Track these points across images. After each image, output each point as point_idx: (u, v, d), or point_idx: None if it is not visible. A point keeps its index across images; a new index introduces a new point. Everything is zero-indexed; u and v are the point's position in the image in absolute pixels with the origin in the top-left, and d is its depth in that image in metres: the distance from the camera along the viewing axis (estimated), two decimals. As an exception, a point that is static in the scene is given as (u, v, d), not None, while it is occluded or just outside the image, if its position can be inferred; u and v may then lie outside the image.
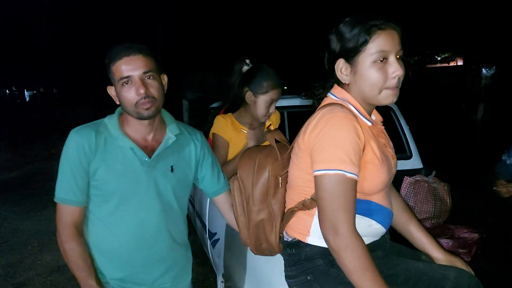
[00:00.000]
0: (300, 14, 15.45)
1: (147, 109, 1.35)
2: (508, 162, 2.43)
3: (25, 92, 25.85)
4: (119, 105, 1.45)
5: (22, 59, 16.51)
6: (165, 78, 1.48)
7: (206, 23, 16.19)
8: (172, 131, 1.48)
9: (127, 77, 1.33)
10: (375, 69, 1.14)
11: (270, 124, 2.17)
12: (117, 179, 1.38)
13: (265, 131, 2.02)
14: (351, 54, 1.17)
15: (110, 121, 1.44)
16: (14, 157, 8.72)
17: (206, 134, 2.41)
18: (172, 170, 1.47)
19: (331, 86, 1.29)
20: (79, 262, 1.37)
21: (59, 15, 14.71)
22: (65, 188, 1.38)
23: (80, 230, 1.42)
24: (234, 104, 2.12)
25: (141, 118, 1.38)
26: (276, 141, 1.46)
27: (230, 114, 2.12)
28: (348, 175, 1.08)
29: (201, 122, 3.57)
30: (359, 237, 1.10)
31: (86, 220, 1.45)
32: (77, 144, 1.36)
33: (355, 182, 1.11)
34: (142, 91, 1.33)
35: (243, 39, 15.24)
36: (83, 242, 1.41)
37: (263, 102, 2.00)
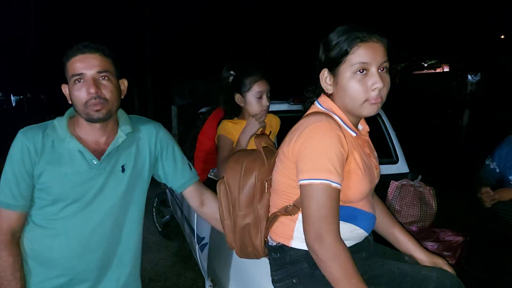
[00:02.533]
0: (291, 18, 15.55)
1: (97, 110, 1.29)
2: (491, 166, 2.49)
3: (12, 97, 25.55)
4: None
5: (8, 64, 16.33)
6: (124, 83, 1.42)
7: (196, 30, 16.20)
8: (123, 130, 1.41)
9: (79, 74, 1.28)
10: (355, 80, 1.15)
11: (270, 132, 2.19)
12: (63, 183, 1.31)
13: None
14: (333, 64, 1.18)
15: (59, 123, 1.36)
16: (1, 162, 8.58)
17: (195, 138, 2.43)
18: (123, 170, 1.40)
19: (319, 94, 1.31)
20: (5, 274, 1.29)
21: (46, 20, 14.61)
22: (5, 191, 1.31)
23: (16, 238, 1.34)
24: (234, 112, 2.15)
25: (90, 120, 1.32)
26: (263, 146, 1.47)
27: (236, 118, 2.14)
28: (333, 184, 1.09)
29: (190, 128, 3.58)
30: (344, 245, 1.11)
31: (25, 226, 1.36)
32: (22, 145, 1.29)
33: (339, 192, 1.12)
34: (92, 90, 1.27)
35: (234, 45, 15.28)
36: (16, 252, 1.33)
37: (252, 99, 2.04)
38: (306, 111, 1.31)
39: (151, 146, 1.49)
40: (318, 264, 1.13)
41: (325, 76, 1.23)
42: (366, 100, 1.16)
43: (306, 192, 1.12)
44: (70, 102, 1.36)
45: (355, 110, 1.20)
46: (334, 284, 1.11)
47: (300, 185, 1.14)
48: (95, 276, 1.41)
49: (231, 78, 2.20)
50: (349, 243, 1.25)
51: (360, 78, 1.15)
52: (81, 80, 1.29)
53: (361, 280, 1.10)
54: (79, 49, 1.30)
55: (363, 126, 1.35)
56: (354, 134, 1.23)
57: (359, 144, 1.25)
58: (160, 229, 4.33)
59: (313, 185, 1.10)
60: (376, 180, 1.30)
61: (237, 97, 2.08)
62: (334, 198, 1.11)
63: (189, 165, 1.61)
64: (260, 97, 2.05)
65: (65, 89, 1.37)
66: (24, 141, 1.30)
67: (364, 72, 1.15)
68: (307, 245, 1.13)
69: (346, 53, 1.15)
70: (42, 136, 1.31)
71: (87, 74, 1.28)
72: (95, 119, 1.31)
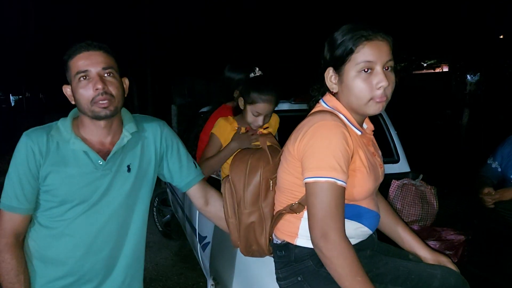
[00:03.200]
0: (293, 18, 15.55)
1: (104, 107, 1.28)
2: (493, 165, 2.49)
3: (11, 97, 25.53)
4: (74, 106, 1.37)
5: (7, 64, 16.30)
6: (126, 82, 1.41)
7: (196, 29, 16.19)
8: (128, 129, 1.40)
9: (84, 71, 1.26)
10: (360, 79, 1.15)
11: (268, 127, 2.18)
12: (69, 185, 1.29)
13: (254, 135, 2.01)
14: (338, 63, 1.18)
15: (63, 124, 1.34)
16: (1, 162, 8.58)
17: (196, 137, 2.43)
18: (129, 170, 1.39)
19: (324, 92, 1.31)
20: (9, 277, 1.28)
21: (45, 19, 14.57)
22: (10, 194, 1.29)
23: (19, 241, 1.32)
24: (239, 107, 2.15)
25: (97, 117, 1.30)
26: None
27: (231, 117, 2.13)
28: (339, 182, 1.10)
29: (190, 127, 3.59)
30: (349, 243, 1.12)
31: (30, 227, 1.35)
32: (26, 147, 1.27)
33: (344, 189, 1.13)
34: (100, 86, 1.26)
35: (234, 44, 15.27)
36: (20, 255, 1.31)
37: (249, 112, 2.01)
38: (311, 110, 1.31)
39: (157, 145, 1.47)
40: (324, 262, 1.13)
41: (330, 75, 1.23)
42: (371, 99, 1.16)
43: (311, 190, 1.12)
44: (73, 103, 1.34)
45: (360, 108, 1.20)
46: (340, 282, 1.11)
47: (305, 183, 1.14)
48: (101, 276, 1.40)
49: (251, 74, 2.18)
50: (353, 241, 1.25)
51: (365, 77, 1.15)
52: (86, 77, 1.27)
53: (366, 277, 1.10)
54: (83, 46, 1.29)
55: (367, 125, 1.35)
56: (359, 133, 1.23)
57: (364, 143, 1.25)
58: (160, 229, 4.33)
59: (318, 183, 1.10)
60: (381, 179, 1.30)
61: (240, 99, 2.07)
62: (339, 196, 1.11)
63: (194, 162, 1.61)
64: (257, 115, 2.00)
65: (66, 89, 1.35)
66: (29, 143, 1.28)
67: (369, 71, 1.15)
68: (313, 242, 1.13)
69: (351, 51, 1.15)
70: (47, 138, 1.30)
71: (92, 70, 1.27)
72: (102, 116, 1.30)
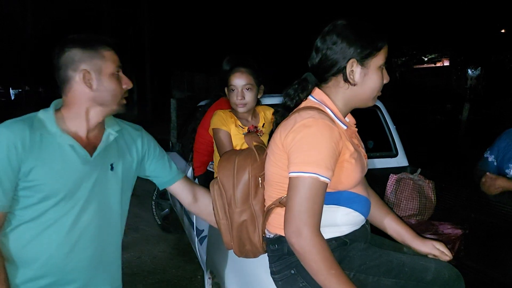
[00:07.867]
0: (290, 11, 15.51)
1: (125, 104, 1.36)
2: (490, 159, 2.48)
3: (11, 90, 25.50)
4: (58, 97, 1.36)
5: (7, 57, 16.27)
6: None
7: (196, 22, 16.15)
8: (112, 127, 1.38)
9: (120, 67, 1.34)
10: (380, 74, 1.25)
11: (264, 124, 2.16)
12: (54, 180, 1.24)
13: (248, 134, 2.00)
14: (366, 56, 1.22)
15: (46, 116, 1.27)
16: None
17: (194, 130, 2.42)
18: (112, 168, 1.37)
19: (309, 89, 1.32)
20: None
21: (44, 13, 14.52)
22: None
23: None
24: None
25: (118, 111, 1.36)
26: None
27: (228, 110, 2.12)
28: (322, 178, 1.12)
29: (189, 121, 3.58)
30: (322, 238, 1.13)
31: (6, 225, 1.26)
32: (8, 141, 1.18)
33: (326, 185, 1.15)
34: (131, 84, 1.35)
35: (232, 38, 15.23)
36: None
37: (229, 93, 2.05)
38: (296, 106, 1.32)
39: (138, 146, 1.48)
40: (298, 257, 1.15)
41: (353, 67, 1.22)
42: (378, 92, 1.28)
43: (293, 184, 1.14)
44: (88, 90, 1.28)
45: (368, 101, 1.28)
46: (315, 277, 1.13)
47: (289, 177, 1.16)
48: (84, 276, 1.36)
49: None
50: (347, 229, 1.27)
51: (382, 72, 1.26)
52: (119, 73, 1.34)
53: (340, 270, 1.12)
54: (112, 43, 1.33)
55: (349, 119, 1.38)
56: (344, 127, 1.26)
57: (349, 136, 1.27)
58: (159, 222, 4.35)
59: (301, 178, 1.12)
60: (366, 169, 1.34)
61: (226, 90, 2.09)
62: (319, 193, 1.13)
63: (174, 163, 1.62)
64: (236, 93, 2.00)
65: (86, 75, 1.27)
66: (11, 137, 1.19)
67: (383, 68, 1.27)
68: (286, 237, 1.15)
69: (379, 47, 1.23)
70: (30, 131, 1.22)
71: (121, 69, 1.34)
72: (122, 111, 1.36)
